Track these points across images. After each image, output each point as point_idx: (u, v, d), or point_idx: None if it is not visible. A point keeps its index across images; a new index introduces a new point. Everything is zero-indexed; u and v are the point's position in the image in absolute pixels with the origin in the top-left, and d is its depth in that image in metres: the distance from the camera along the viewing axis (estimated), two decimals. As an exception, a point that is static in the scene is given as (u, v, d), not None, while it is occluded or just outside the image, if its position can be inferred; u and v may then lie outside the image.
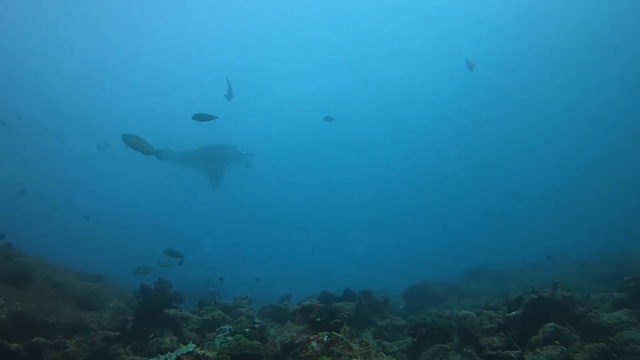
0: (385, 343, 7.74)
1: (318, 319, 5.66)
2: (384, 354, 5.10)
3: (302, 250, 38.07)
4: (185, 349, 4.15)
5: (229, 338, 6.64)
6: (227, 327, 6.78)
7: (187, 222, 41.29)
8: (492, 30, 35.62)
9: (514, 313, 6.90)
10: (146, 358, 6.75)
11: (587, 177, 39.85)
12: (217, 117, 8.88)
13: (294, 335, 5.68)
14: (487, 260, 20.91)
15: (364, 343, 5.20)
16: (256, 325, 7.04)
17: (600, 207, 35.21)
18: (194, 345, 4.21)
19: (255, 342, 4.54)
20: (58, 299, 7.75)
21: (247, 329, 6.74)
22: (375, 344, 7.57)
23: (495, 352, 6.00)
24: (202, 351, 4.27)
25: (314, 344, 4.81)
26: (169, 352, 4.15)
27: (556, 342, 5.92)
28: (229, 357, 4.28)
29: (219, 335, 6.61)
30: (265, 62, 41.96)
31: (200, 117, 9.03)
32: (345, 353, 4.80)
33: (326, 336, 4.90)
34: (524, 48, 36.37)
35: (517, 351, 5.84)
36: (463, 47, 35.40)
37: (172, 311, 7.23)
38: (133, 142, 9.05)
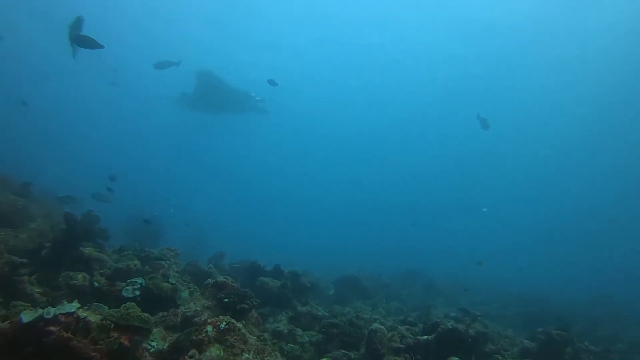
0: (298, 331, 7.55)
1: (225, 300, 5.36)
2: (278, 354, 4.83)
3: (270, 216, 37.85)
4: (67, 307, 3.75)
5: (137, 293, 6.30)
6: (139, 280, 6.39)
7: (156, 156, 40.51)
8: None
9: (425, 337, 6.76)
10: (49, 291, 6.34)
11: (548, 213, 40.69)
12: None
13: (198, 309, 5.36)
14: (428, 264, 21.16)
15: (262, 338, 4.93)
16: (170, 283, 6.72)
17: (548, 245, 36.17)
18: (77, 306, 3.81)
19: (146, 315, 4.18)
20: (-26, 209, 7.17)
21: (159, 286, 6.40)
22: (286, 331, 7.36)
23: (393, 374, 5.86)
24: (85, 314, 3.87)
25: (209, 328, 4.50)
26: (49, 307, 3.73)
27: (454, 379, 5.82)
28: (112, 325, 3.92)
29: (127, 288, 6.22)
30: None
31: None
32: (239, 345, 4.51)
33: (224, 323, 4.60)
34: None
35: (414, 379, 5.70)
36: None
37: (87, 250, 6.77)
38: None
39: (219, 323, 4.58)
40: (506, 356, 7.33)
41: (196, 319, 4.89)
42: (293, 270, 9.44)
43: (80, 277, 6.52)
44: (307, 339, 7.31)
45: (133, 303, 4.24)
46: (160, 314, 5.58)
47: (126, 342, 3.94)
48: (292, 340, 7.23)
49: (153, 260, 7.71)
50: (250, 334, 5.07)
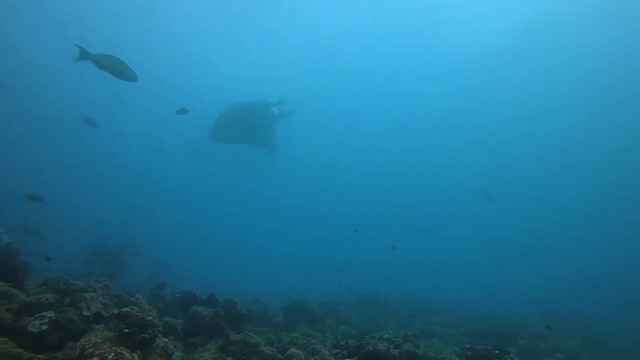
0: (229, 359, 7.37)
1: (125, 330, 5.17)
2: (170, 384, 4.68)
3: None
4: None
5: (44, 327, 6.03)
6: (48, 314, 6.13)
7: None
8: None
9: (346, 360, 6.68)
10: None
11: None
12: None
13: (98, 342, 5.15)
14: (387, 287, 21.07)
15: (155, 368, 4.78)
16: (85, 315, 6.50)
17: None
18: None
19: (19, 350, 3.99)
20: None
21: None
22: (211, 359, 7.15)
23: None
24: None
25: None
26: None
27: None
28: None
29: (34, 322, 5.95)
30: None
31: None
32: (125, 377, 4.36)
33: (113, 354, 4.44)
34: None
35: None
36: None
37: (-5, 284, 6.51)
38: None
39: (106, 354, 4.43)
40: (433, 375, 7.29)
41: (87, 351, 4.68)
42: (229, 298, 9.19)
43: (-9, 313, 6.24)
44: (235, 367, 7.14)
45: (6, 339, 4.04)
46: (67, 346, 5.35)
47: (-8, 379, 3.74)
48: (217, 369, 7.03)
49: (75, 292, 7.43)
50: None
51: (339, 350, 7.95)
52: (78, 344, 5.19)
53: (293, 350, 6.31)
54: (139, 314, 5.56)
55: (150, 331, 5.23)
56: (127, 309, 5.56)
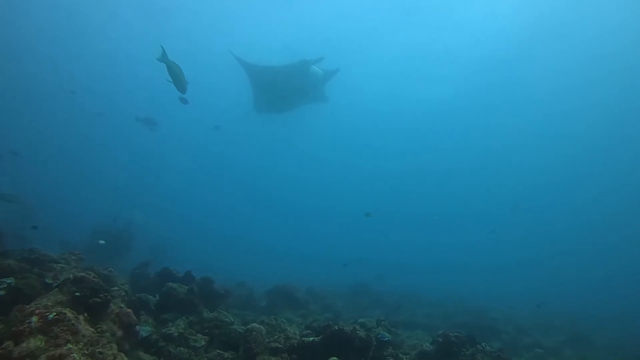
0: (198, 336, 7.23)
1: (77, 293, 5.06)
2: (113, 345, 4.56)
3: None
4: None
5: (2, 292, 5.95)
6: (8, 280, 6.06)
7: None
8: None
9: (311, 339, 6.52)
10: None
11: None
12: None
13: (49, 304, 5.04)
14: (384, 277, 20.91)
15: (99, 330, 4.66)
16: (47, 282, 6.44)
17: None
18: None
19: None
20: None
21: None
22: (177, 334, 7.03)
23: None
24: None
25: (34, 318, 4.24)
26: None
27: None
28: None
29: (-6, 288, 5.91)
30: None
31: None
32: (64, 336, 4.24)
33: (54, 313, 4.32)
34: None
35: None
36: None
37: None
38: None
39: (47, 314, 4.31)
40: (403, 358, 7.13)
41: (29, 310, 4.57)
42: (206, 276, 9.09)
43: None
44: (204, 343, 7.01)
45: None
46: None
47: None
48: (183, 344, 6.91)
49: (46, 262, 7.36)
50: (96, 328, 4.82)
51: (309, 331, 7.80)
52: (27, 306, 5.09)
53: (254, 324, 6.18)
54: (95, 279, 5.45)
55: (102, 295, 5.12)
56: (82, 273, 5.45)
